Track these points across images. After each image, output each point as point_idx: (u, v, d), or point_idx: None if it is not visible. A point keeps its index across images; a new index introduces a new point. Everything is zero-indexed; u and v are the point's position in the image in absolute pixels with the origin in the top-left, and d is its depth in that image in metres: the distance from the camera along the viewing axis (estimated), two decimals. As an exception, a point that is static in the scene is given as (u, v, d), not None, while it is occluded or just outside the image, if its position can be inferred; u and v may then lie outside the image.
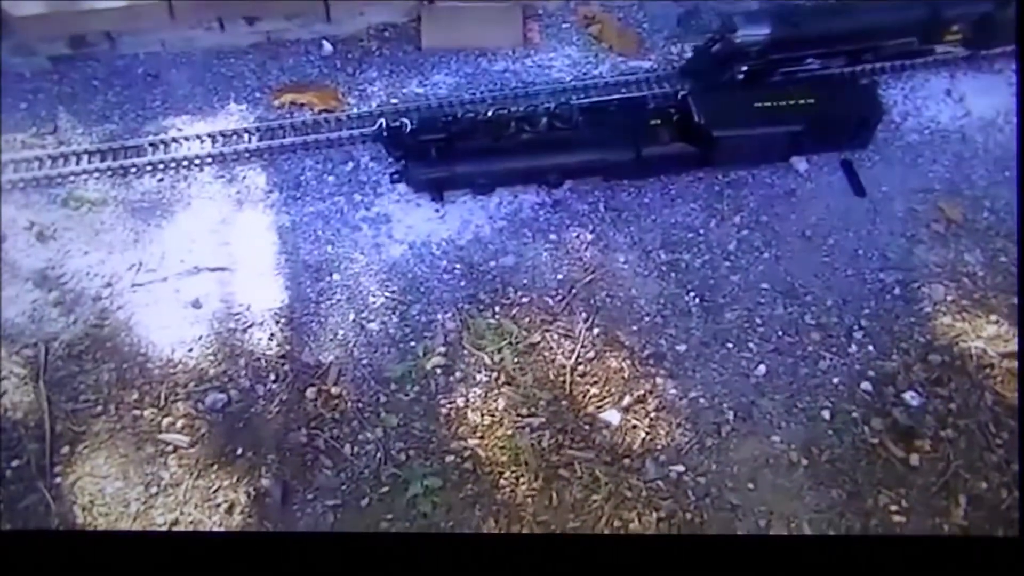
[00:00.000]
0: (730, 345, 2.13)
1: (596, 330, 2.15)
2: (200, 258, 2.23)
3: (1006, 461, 1.94)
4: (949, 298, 2.21)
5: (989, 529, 1.86)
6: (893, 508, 1.92)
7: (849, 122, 2.45)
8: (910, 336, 2.14)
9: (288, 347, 2.11)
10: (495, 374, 2.07)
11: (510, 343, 2.12)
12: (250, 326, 2.14)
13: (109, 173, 2.35)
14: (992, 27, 2.48)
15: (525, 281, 2.23)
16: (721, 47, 2.44)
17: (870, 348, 2.13)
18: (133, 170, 2.36)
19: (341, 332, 2.14)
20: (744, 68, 2.46)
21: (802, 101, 2.39)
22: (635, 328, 2.16)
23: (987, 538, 1.84)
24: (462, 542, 1.76)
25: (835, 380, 2.07)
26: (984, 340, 2.13)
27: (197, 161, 2.39)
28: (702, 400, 2.05)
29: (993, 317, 2.16)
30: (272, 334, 2.13)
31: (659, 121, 2.41)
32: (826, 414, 2.02)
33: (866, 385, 2.07)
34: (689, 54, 2.64)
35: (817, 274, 2.26)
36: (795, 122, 2.37)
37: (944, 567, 1.28)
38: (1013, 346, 2.11)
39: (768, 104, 2.39)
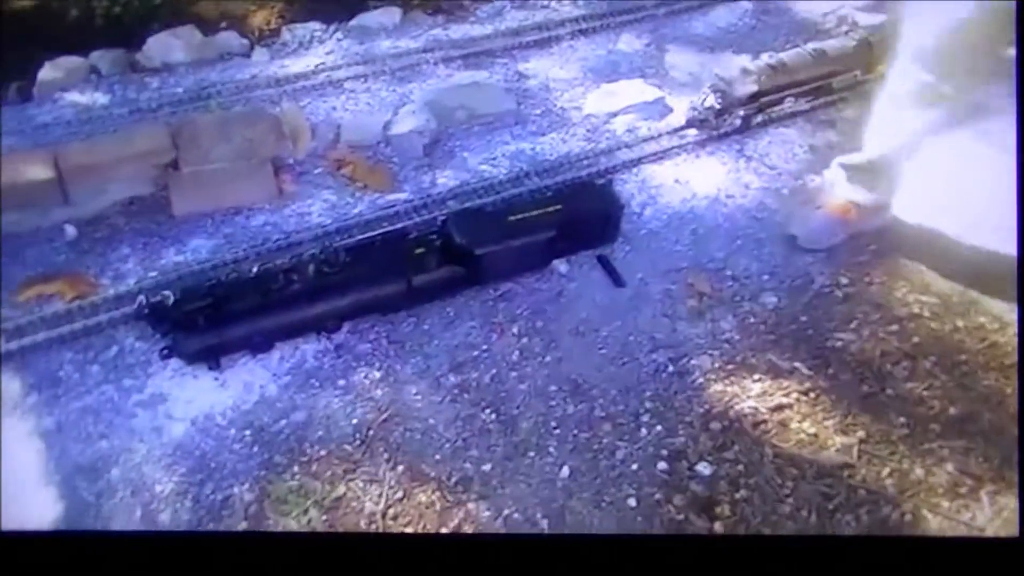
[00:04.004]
0: (532, 454, 2.18)
1: (400, 468, 2.13)
2: (-45, 485, 2.01)
3: (796, 508, 2.08)
4: (716, 366, 2.39)
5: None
6: (709, 578, 2.00)
7: (595, 221, 2.64)
8: (691, 409, 2.29)
9: (70, 563, 1.92)
10: (304, 538, 1.99)
11: (315, 502, 2.05)
12: (22, 550, 1.93)
13: None
14: None
15: (320, 433, 2.19)
16: (720, 99, 2.98)
17: (658, 428, 2.24)
18: None
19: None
20: (740, 113, 2.99)
21: (550, 209, 2.56)
22: (438, 457, 2.16)
23: (987, 538, 1.91)
24: (461, 542, 1.79)
25: (634, 467, 2.16)
26: (753, 399, 2.31)
27: (-66, 380, 2.18)
28: (516, 515, 2.06)
29: (756, 376, 2.36)
30: (50, 553, 1.94)
31: (424, 249, 2.49)
32: (632, 502, 2.10)
33: (662, 465, 2.17)
34: (449, 181, 2.79)
35: (597, 367, 2.38)
36: (548, 229, 2.53)
37: (944, 567, 1.33)
38: (779, 399, 2.31)
39: (521, 217, 2.54)
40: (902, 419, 2.28)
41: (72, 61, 3.19)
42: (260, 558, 1.35)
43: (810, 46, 3.15)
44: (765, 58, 3.08)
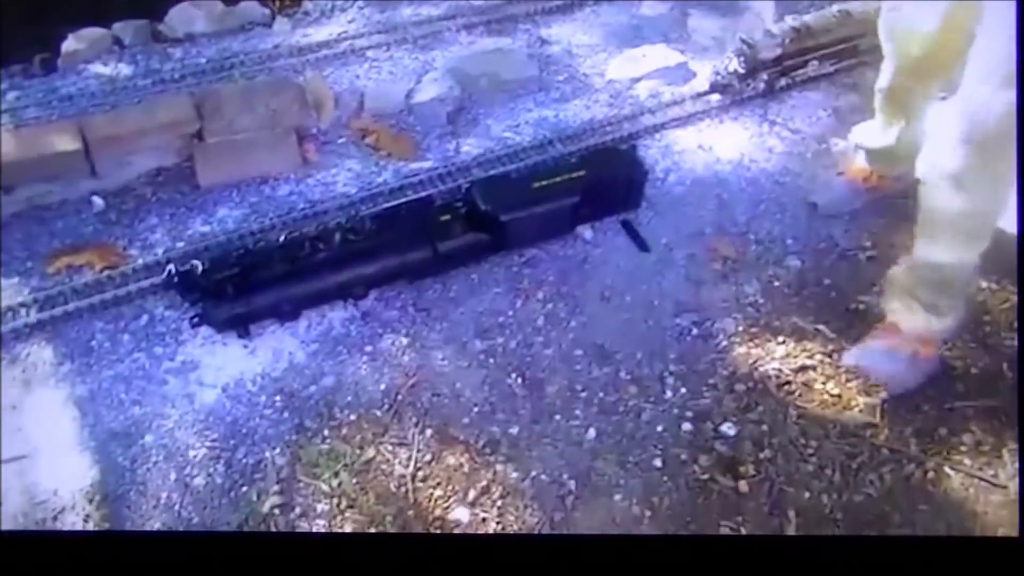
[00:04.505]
0: (558, 417, 2.20)
1: (429, 431, 2.16)
2: (-7, 452, 2.06)
3: (820, 467, 2.10)
4: (740, 329, 2.40)
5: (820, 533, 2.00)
6: (735, 536, 2.03)
7: (619, 186, 2.64)
8: (715, 371, 2.30)
9: (107, 524, 1.97)
10: (336, 500, 2.03)
11: (345, 465, 2.09)
12: (60, 512, 1.98)
13: None
14: None
15: (349, 398, 2.22)
16: (744, 63, 2.97)
17: (683, 390, 2.26)
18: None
19: (165, 494, 2.03)
20: (764, 77, 3.00)
21: (574, 175, 2.56)
22: (466, 421, 2.19)
23: (986, 538, 1.91)
24: (463, 542, 1.75)
25: (659, 428, 2.18)
26: (778, 360, 2.32)
27: (-28, 348, 2.23)
28: (543, 476, 2.09)
29: (780, 338, 2.37)
30: (88, 514, 1.98)
31: (449, 216, 2.50)
32: (658, 462, 2.12)
33: (687, 426, 2.19)
34: (469, 148, 2.79)
35: (622, 331, 2.39)
36: (572, 195, 2.53)
37: (943, 567, 1.33)
38: (803, 361, 2.32)
39: (545, 183, 2.54)
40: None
41: (95, 32, 3.21)
42: (262, 558, 1.36)
43: (835, 7, 3.11)
44: (789, 20, 3.04)
